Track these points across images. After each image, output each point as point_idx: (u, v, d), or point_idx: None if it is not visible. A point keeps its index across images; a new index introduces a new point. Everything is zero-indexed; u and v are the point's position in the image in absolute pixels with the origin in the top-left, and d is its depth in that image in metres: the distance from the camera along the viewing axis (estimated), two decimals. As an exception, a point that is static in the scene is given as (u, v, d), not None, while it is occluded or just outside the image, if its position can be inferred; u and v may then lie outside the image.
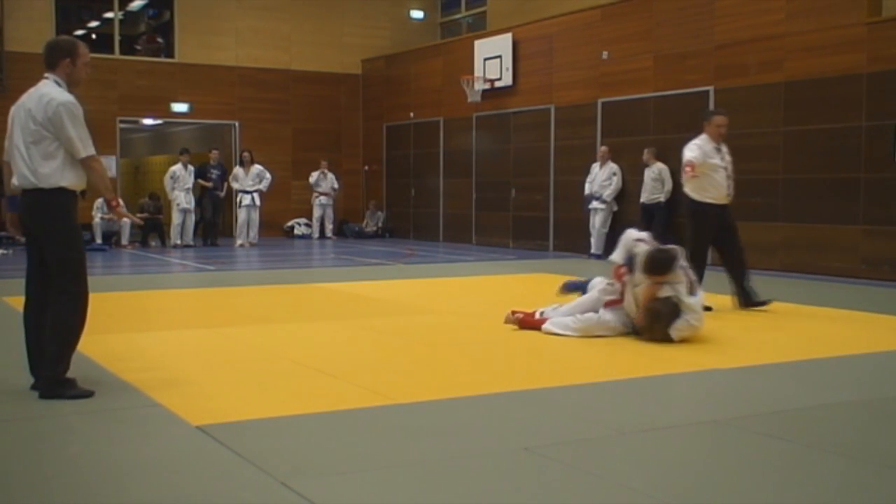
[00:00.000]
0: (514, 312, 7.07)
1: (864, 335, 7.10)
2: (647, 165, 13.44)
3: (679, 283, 6.42)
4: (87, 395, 4.72)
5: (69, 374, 4.79)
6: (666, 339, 6.31)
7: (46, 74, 4.89)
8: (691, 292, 6.46)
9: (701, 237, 8.19)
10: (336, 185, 19.07)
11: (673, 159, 13.39)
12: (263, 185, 17.25)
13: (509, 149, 16.57)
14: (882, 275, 10.86)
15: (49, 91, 4.79)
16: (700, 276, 7.39)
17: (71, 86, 4.90)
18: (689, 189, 8.16)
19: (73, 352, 4.81)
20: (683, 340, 6.36)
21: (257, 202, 17.19)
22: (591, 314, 6.66)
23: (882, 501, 3.43)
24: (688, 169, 8.00)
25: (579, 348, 6.27)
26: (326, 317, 7.94)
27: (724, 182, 8.13)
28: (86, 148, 4.76)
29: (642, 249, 6.54)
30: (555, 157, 15.57)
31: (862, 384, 5.39)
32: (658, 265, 6.39)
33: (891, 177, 10.81)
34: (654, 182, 13.38)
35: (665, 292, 6.36)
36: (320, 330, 7.15)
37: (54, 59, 4.89)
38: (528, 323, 6.89)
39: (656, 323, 6.31)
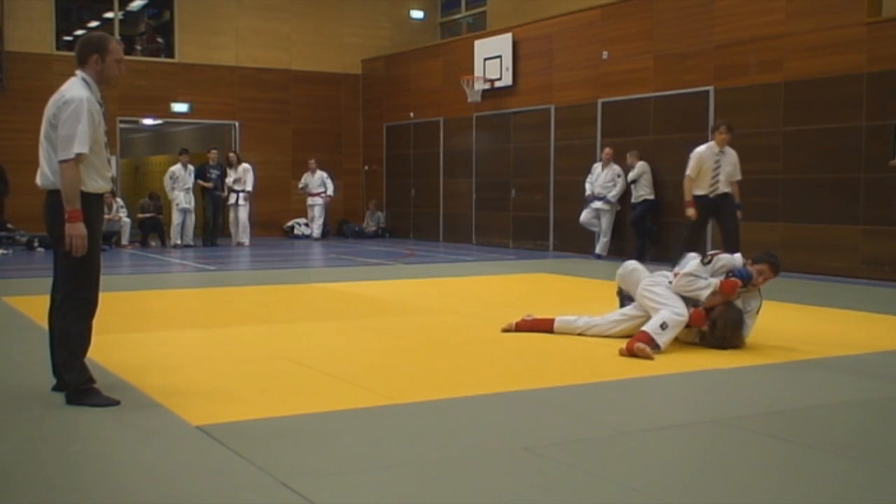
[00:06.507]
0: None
1: (864, 335, 7.10)
2: (630, 167, 13.76)
3: (753, 297, 6.37)
4: (111, 403, 4.55)
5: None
6: (738, 346, 6.26)
7: (76, 71, 4.72)
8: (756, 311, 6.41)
9: None
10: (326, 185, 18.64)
11: (670, 159, 13.43)
12: (247, 185, 17.30)
13: (509, 149, 16.56)
14: (882, 275, 10.86)
15: (67, 88, 4.63)
16: None
17: (101, 83, 4.74)
18: None
19: (80, 360, 4.64)
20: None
21: (241, 202, 17.26)
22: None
23: (882, 501, 3.43)
24: None
25: (579, 348, 6.27)
26: (326, 317, 7.94)
27: None
28: (65, 150, 4.48)
29: (734, 259, 6.44)
30: (555, 157, 15.56)
31: (862, 384, 5.39)
32: (779, 266, 6.44)
33: (890, 177, 10.80)
34: (632, 184, 13.80)
35: (738, 302, 6.31)
36: (320, 330, 7.15)
37: (84, 55, 4.72)
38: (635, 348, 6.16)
39: (734, 330, 6.24)
